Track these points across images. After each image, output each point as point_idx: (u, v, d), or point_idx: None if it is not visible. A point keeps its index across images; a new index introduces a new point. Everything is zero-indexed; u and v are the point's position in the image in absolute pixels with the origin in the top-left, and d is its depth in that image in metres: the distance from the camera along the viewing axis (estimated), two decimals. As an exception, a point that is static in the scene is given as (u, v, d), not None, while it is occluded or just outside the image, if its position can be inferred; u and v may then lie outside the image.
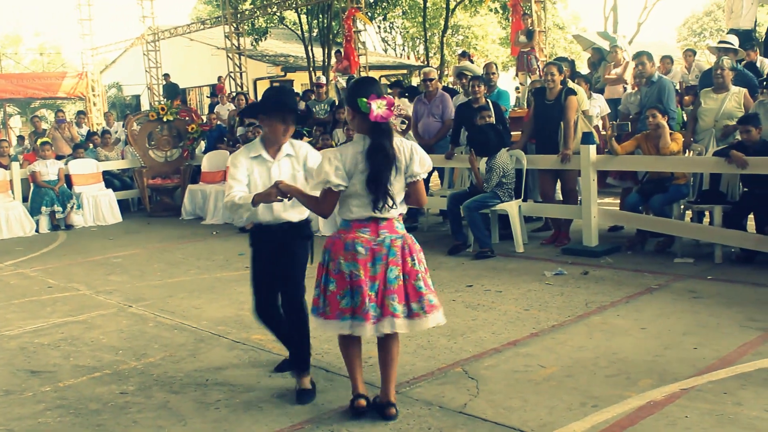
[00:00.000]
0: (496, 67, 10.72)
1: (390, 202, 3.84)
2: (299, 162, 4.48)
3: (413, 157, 3.92)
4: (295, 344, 4.56)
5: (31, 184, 12.49)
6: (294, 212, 4.44)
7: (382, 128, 3.82)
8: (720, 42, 10.96)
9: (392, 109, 3.80)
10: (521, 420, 3.90)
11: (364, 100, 3.78)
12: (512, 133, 9.29)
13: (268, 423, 4.11)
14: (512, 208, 8.15)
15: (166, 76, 23.15)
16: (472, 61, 14.93)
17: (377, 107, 3.77)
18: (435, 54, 31.91)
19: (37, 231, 12.13)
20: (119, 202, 13.16)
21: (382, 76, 28.01)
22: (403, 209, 4.00)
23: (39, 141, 13.59)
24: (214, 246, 9.88)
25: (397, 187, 3.90)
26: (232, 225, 11.35)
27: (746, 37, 12.94)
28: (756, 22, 13.18)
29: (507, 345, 5.14)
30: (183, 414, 4.32)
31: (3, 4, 65.75)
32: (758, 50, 12.04)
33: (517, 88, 15.23)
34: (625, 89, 11.19)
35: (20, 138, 17.48)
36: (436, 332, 5.47)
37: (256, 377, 4.84)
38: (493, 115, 8.66)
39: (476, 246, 8.25)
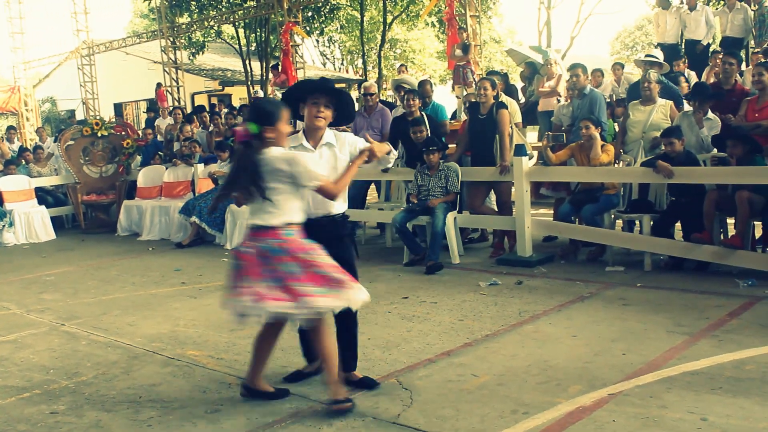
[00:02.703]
0: (431, 85, 10.85)
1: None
2: (342, 150, 4.57)
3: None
4: (345, 343, 4.68)
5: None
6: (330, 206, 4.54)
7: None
8: (647, 56, 11.28)
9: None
10: (453, 428, 3.95)
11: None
12: (448, 146, 9.39)
13: (202, 439, 4.10)
14: (449, 219, 8.23)
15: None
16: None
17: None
18: (373, 68, 32.07)
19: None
20: (53, 219, 12.89)
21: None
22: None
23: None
24: (149, 262, 9.76)
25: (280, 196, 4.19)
26: (169, 240, 11.24)
27: (672, 50, 13.36)
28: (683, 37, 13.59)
29: (441, 355, 5.20)
30: (115, 432, 4.27)
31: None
32: (686, 62, 12.46)
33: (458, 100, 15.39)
34: (558, 101, 11.41)
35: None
36: (370, 344, 5.52)
37: (190, 393, 4.81)
38: (428, 129, 8.77)
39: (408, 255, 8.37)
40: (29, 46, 45.97)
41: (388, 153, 4.64)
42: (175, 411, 4.52)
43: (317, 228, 4.43)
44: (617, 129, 9.66)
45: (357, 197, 10.22)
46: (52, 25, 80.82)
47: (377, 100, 10.30)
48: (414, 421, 4.08)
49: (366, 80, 25.83)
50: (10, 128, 18.74)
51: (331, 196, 4.31)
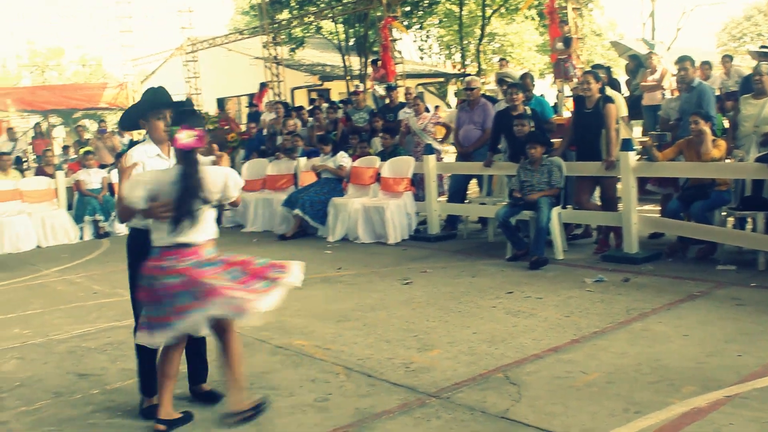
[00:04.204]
0: (533, 78, 10.76)
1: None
2: None
3: (228, 183, 4.10)
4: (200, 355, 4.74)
5: (76, 193, 12.74)
6: None
7: (188, 156, 3.99)
8: (761, 47, 10.86)
9: (202, 141, 3.99)
10: (564, 425, 3.91)
11: (175, 128, 3.99)
12: (552, 140, 9.28)
13: (311, 426, 4.17)
14: (553, 214, 8.13)
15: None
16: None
17: (185, 136, 3.94)
18: (471, 62, 31.90)
19: (81, 239, 12.37)
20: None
21: (418, 84, 28.08)
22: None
23: (82, 150, 13.85)
24: (254, 253, 9.84)
25: (204, 213, 4.08)
26: (272, 232, 11.45)
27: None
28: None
29: (548, 351, 5.15)
30: (228, 417, 4.39)
31: (45, 17, 66.94)
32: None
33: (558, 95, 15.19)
34: (663, 96, 11.12)
35: (65, 148, 17.80)
36: (476, 338, 5.51)
37: (298, 381, 4.90)
38: (532, 123, 8.69)
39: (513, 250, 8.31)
40: (136, 43, 47.63)
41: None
42: (285, 399, 4.62)
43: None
44: (726, 123, 9.35)
45: (458, 192, 10.23)
46: (158, 23, 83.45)
47: (479, 94, 10.25)
48: (523, 417, 4.06)
49: (467, 74, 25.73)
50: (121, 123, 19.38)
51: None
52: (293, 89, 27.84)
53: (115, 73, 44.89)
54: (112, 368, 5.44)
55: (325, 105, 15.15)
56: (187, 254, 3.99)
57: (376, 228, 9.99)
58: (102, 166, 13.63)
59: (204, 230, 4.08)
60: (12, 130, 17.32)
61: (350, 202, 10.24)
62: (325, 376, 4.97)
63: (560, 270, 7.69)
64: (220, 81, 30.16)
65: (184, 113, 4.22)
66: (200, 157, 4.04)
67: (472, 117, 9.98)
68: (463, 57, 31.81)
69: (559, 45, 14.97)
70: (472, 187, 11.05)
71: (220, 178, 4.08)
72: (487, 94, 12.59)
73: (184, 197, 3.95)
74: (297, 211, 10.70)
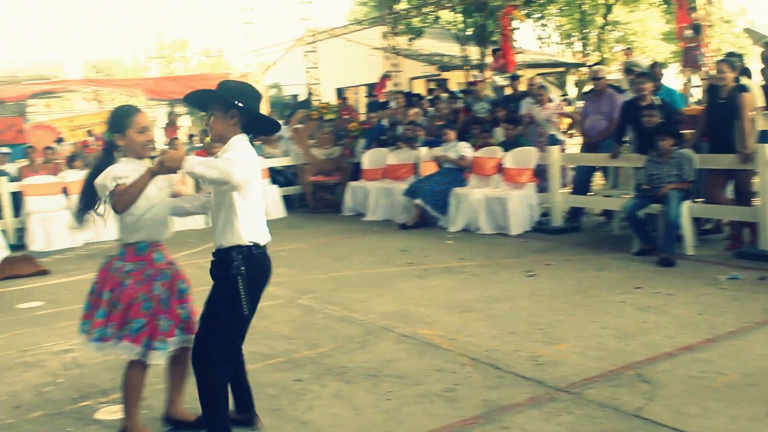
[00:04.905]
0: (661, 68, 10.43)
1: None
2: None
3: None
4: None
5: (203, 179, 13.14)
6: None
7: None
8: None
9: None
10: (702, 427, 3.78)
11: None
12: (682, 132, 8.97)
13: (440, 416, 4.17)
14: (683, 208, 7.86)
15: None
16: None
17: None
18: (592, 51, 31.17)
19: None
20: (283, 197, 13.63)
21: (537, 74, 27.61)
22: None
23: (207, 139, 14.27)
24: (375, 242, 10.06)
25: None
26: (392, 221, 11.52)
27: None
28: None
29: (681, 349, 4.98)
30: (356, 403, 4.45)
31: (172, 11, 69.37)
32: None
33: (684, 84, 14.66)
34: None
35: (191, 136, 18.42)
36: (605, 333, 5.40)
37: (425, 371, 4.91)
38: (662, 114, 8.41)
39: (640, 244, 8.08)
40: (258, 35, 48.78)
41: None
42: (412, 387, 4.64)
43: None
44: None
45: (582, 183, 10.03)
46: (278, 14, 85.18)
47: (606, 84, 10.01)
48: (657, 416, 3.94)
49: (587, 65, 25.18)
50: (243, 112, 19.94)
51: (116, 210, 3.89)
52: (411, 79, 27.88)
53: (236, 64, 46.13)
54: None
55: (444, 95, 15.12)
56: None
57: (497, 219, 9.90)
58: (227, 154, 14.01)
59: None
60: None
61: (472, 193, 10.19)
62: (451, 366, 4.97)
63: (691, 266, 7.42)
64: (339, 71, 30.50)
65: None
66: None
67: (599, 107, 9.77)
68: (584, 46, 31.10)
69: (688, 32, 14.43)
70: (596, 179, 10.82)
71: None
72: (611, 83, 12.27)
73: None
74: (418, 201, 10.73)
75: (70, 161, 13.30)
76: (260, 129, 4.50)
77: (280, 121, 18.11)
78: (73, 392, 4.98)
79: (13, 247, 10.65)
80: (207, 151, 13.50)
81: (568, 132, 11.65)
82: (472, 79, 17.61)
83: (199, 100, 3.99)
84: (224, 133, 3.86)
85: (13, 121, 16.74)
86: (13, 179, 12.25)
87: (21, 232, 11.72)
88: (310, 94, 24.07)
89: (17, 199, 11.99)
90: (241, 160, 3.65)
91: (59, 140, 17.65)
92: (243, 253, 3.78)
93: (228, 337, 3.92)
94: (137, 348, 3.91)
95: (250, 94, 3.95)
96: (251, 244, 3.80)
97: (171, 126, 19.04)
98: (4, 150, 14.17)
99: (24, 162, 12.96)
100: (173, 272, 4.09)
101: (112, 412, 4.50)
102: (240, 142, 3.83)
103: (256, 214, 3.85)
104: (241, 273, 3.78)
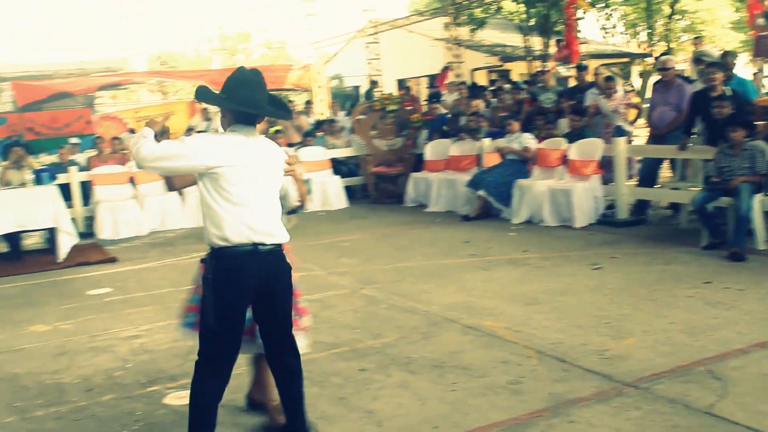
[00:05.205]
0: (734, 57, 10.17)
1: None
2: None
3: None
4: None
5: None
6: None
7: None
8: None
9: None
10: (777, 426, 3.70)
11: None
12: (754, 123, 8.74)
13: (505, 409, 4.15)
14: (755, 202, 7.66)
15: None
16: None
17: None
18: (658, 41, 30.55)
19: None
20: (345, 188, 13.70)
21: (602, 65, 27.17)
22: None
23: (272, 129, 14.41)
24: (438, 233, 10.04)
25: None
26: (454, 213, 11.49)
27: None
28: None
29: (754, 346, 4.86)
30: (421, 394, 4.45)
31: (235, 4, 70.13)
32: None
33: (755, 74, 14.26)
34: None
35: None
36: (673, 328, 5.31)
37: (490, 363, 4.89)
38: (733, 105, 8.21)
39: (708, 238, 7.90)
40: (320, 27, 49.04)
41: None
42: (477, 379, 4.63)
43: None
44: None
45: (649, 175, 9.86)
46: (339, 5, 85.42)
47: (674, 74, 9.81)
48: (730, 414, 3.86)
49: (653, 54, 24.70)
50: (308, 103, 20.12)
51: None
52: (473, 70, 27.70)
53: (297, 56, 46.47)
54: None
55: (507, 86, 14.99)
56: None
57: (561, 211, 9.79)
58: (290, 145, 14.12)
59: None
60: (206, 110, 18.27)
61: (536, 184, 10.09)
62: (516, 358, 4.94)
63: (762, 261, 7.24)
64: (401, 62, 30.46)
65: None
66: None
67: (667, 98, 9.57)
68: (650, 36, 30.49)
69: (761, 20, 14.00)
70: (663, 171, 10.62)
71: None
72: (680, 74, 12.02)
73: None
74: (481, 192, 10.68)
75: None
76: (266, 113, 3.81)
77: (342, 113, 18.29)
78: (141, 377, 5.09)
79: (82, 235, 10.95)
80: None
81: (633, 123, 11.43)
82: (538, 69, 17.38)
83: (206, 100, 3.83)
84: (224, 127, 3.66)
85: (82, 113, 17.12)
86: (82, 169, 12.57)
87: (90, 220, 11.99)
88: (373, 83, 24.05)
89: (86, 188, 12.30)
90: (179, 145, 3.39)
91: (131, 131, 18.01)
92: (210, 255, 3.51)
93: (202, 348, 3.58)
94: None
95: (233, 82, 3.60)
96: (223, 245, 3.46)
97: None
98: (74, 140, 14.57)
99: (93, 152, 13.26)
100: None
101: (180, 398, 4.58)
102: (217, 133, 3.61)
103: (240, 211, 3.48)
104: (206, 278, 3.49)
